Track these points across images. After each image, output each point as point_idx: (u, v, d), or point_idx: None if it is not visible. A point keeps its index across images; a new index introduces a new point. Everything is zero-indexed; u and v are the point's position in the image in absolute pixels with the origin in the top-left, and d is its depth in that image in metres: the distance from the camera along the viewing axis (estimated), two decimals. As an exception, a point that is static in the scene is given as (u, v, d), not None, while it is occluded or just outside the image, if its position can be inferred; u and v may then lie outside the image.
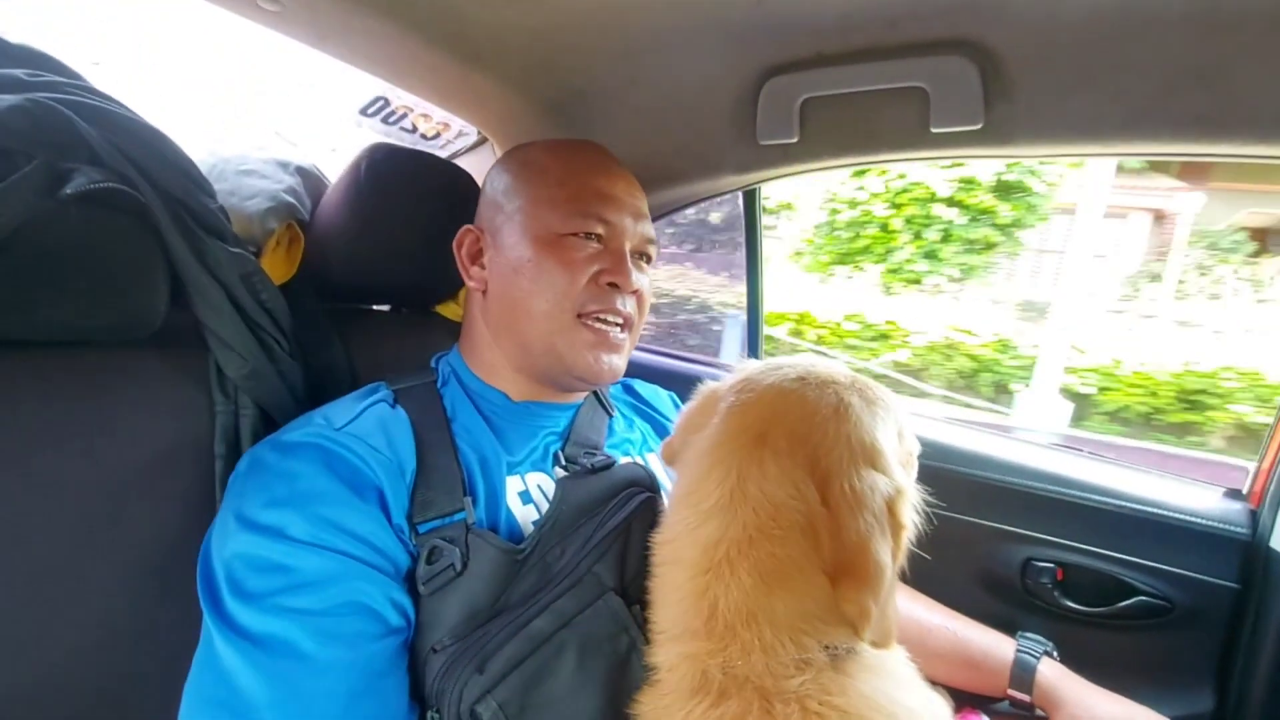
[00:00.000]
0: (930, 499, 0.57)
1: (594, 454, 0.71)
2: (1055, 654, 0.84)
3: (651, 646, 0.55)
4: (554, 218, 0.70)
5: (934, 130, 0.82)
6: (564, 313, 0.69)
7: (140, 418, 0.60)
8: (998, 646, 0.85)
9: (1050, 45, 0.72)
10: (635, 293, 0.73)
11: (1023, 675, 0.81)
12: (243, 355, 0.65)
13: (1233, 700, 0.90)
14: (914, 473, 0.64)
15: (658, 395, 0.94)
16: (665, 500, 0.68)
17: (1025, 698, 0.81)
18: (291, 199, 0.84)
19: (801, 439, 0.52)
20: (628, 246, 0.72)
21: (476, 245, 0.75)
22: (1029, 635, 0.86)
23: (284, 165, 0.88)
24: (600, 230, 0.70)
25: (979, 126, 0.80)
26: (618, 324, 0.72)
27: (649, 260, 0.77)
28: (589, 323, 0.70)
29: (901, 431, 0.59)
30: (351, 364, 0.78)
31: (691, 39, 0.83)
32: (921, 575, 0.65)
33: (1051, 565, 1.00)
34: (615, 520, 0.63)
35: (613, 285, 0.70)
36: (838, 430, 0.53)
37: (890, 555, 0.49)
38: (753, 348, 1.38)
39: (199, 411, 0.64)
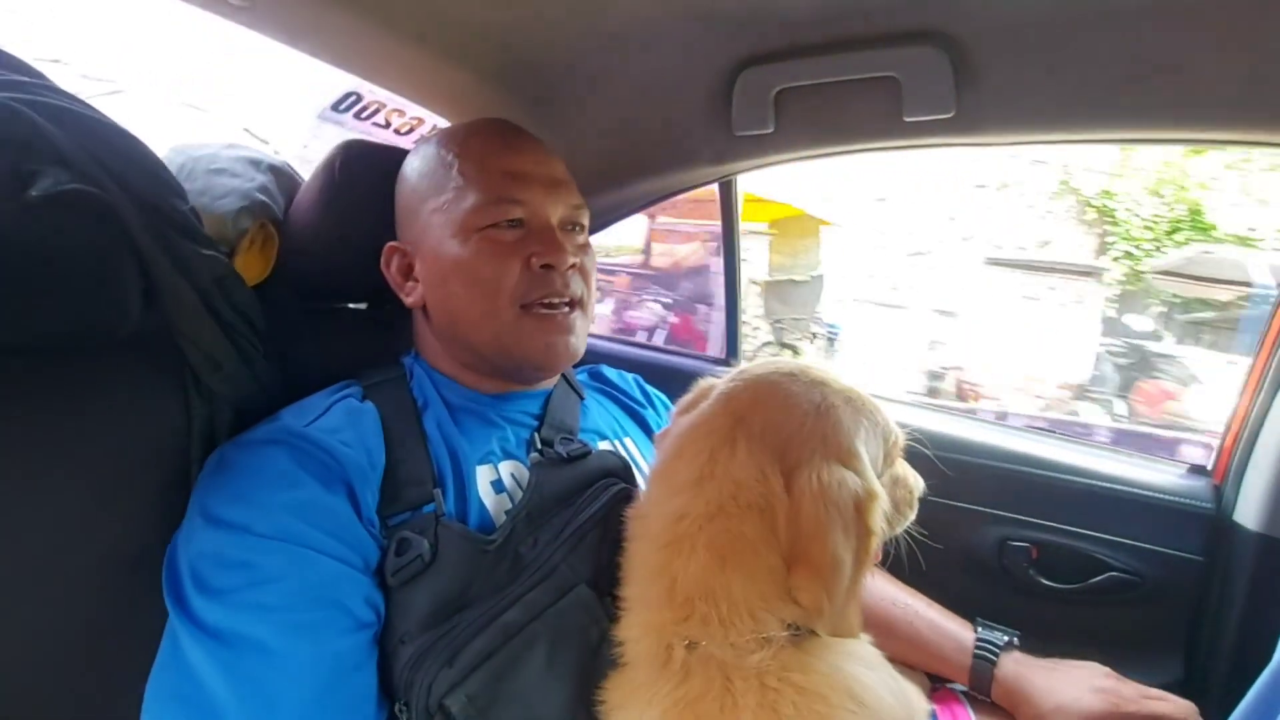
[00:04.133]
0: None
1: (570, 440, 0.70)
2: (1017, 641, 0.82)
3: (619, 621, 0.56)
4: (466, 213, 0.66)
5: (907, 120, 0.83)
6: (504, 309, 0.66)
7: (114, 423, 0.59)
8: (962, 635, 0.83)
9: (1017, 36, 0.74)
10: (574, 267, 0.69)
11: (981, 677, 0.79)
12: (218, 359, 0.64)
13: (1200, 668, 0.94)
14: (913, 512, 0.65)
15: (624, 378, 0.94)
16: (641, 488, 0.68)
17: (984, 699, 0.80)
18: (264, 197, 0.83)
19: (776, 427, 0.53)
20: (554, 220, 0.69)
21: (406, 260, 0.73)
22: (990, 625, 0.84)
23: (255, 163, 0.86)
24: (519, 213, 0.67)
25: (950, 115, 0.81)
26: (564, 305, 0.69)
27: (583, 229, 0.74)
28: (535, 311, 0.67)
29: (890, 454, 0.60)
30: (328, 363, 0.77)
31: (666, 31, 0.83)
32: (900, 558, 0.67)
33: (1027, 545, 1.02)
34: (589, 512, 0.63)
35: (546, 267, 0.67)
36: (814, 426, 0.54)
37: (852, 556, 0.49)
38: (731, 344, 1.38)
39: (174, 416, 0.63)
